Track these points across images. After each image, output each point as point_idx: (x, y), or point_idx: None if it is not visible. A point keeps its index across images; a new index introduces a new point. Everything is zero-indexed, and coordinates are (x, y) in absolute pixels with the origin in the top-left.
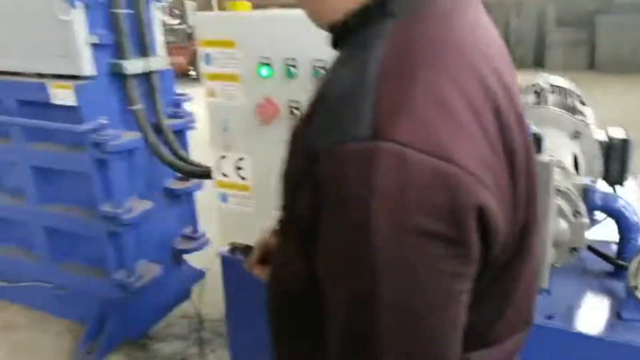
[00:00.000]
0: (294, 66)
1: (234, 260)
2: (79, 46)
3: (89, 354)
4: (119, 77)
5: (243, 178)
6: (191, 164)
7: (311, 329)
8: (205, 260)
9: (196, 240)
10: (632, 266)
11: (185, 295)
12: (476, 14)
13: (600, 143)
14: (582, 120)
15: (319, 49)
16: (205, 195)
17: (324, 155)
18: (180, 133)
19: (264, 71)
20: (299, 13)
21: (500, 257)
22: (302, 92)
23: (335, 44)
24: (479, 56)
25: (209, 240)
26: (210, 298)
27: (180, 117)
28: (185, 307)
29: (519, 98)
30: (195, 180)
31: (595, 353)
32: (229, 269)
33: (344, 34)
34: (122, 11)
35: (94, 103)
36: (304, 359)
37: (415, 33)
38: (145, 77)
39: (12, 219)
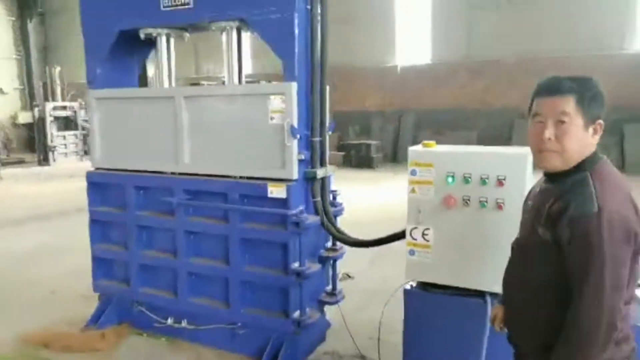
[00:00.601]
0: (468, 178)
1: (416, 293)
2: (293, 161)
3: None
4: (308, 180)
5: (427, 241)
6: (348, 236)
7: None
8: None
9: (335, 296)
10: None
11: (322, 338)
12: (609, 164)
13: None
14: None
15: (484, 168)
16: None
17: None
18: (335, 217)
19: (450, 180)
20: (477, 150)
21: (638, 248)
22: (474, 191)
23: (551, 180)
24: (623, 184)
25: (344, 296)
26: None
27: (335, 206)
28: (322, 347)
29: (635, 202)
30: (340, 251)
31: None
32: (413, 301)
33: (559, 176)
34: (317, 139)
35: (296, 196)
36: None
37: (605, 175)
38: (321, 180)
39: (216, 276)
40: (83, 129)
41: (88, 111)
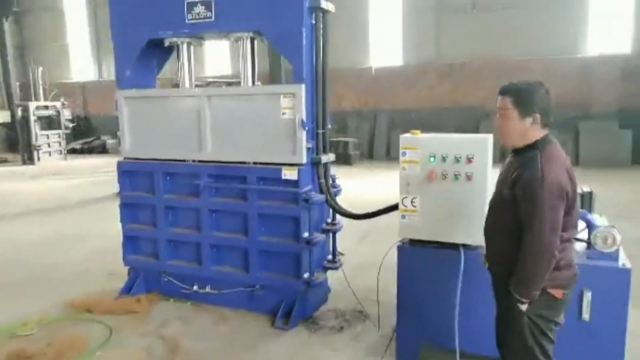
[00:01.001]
0: (445, 157)
1: (407, 248)
2: (302, 149)
3: (285, 325)
4: (314, 164)
5: (415, 207)
6: (348, 211)
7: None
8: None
9: (335, 263)
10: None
11: (325, 299)
12: (557, 145)
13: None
14: None
15: (457, 150)
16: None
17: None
18: (335, 195)
19: (431, 159)
20: (452, 136)
21: (571, 203)
22: (450, 168)
23: (515, 153)
24: (564, 160)
25: (342, 264)
26: (338, 301)
27: (335, 187)
28: (325, 307)
29: (573, 173)
30: (338, 225)
31: None
32: (404, 255)
33: (521, 152)
34: (321, 130)
35: (305, 177)
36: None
37: (550, 154)
38: (324, 165)
39: (236, 247)
40: (66, 128)
41: (118, 108)
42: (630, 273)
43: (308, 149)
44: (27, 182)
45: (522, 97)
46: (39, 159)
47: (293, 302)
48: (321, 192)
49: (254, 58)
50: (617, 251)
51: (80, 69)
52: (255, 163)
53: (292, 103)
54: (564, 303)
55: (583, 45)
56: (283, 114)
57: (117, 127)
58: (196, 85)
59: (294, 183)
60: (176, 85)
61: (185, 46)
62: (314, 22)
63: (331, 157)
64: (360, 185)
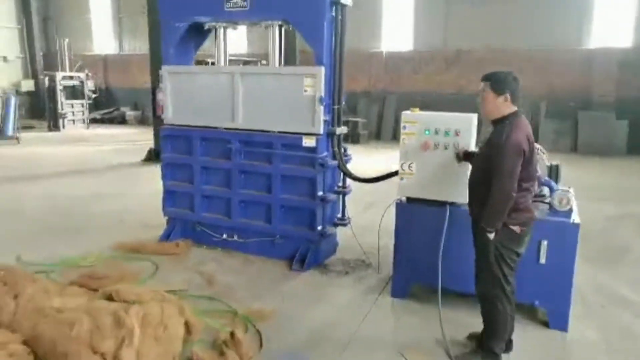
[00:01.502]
0: (438, 131)
1: (404, 205)
2: (320, 121)
3: (300, 268)
4: (329, 135)
5: (411, 171)
6: (357, 176)
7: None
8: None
9: (344, 220)
10: (551, 199)
11: (334, 251)
12: (522, 118)
13: (549, 165)
14: (542, 157)
15: (447, 125)
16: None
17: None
18: (346, 162)
19: (427, 132)
20: (443, 114)
21: (528, 159)
22: (441, 139)
23: (494, 124)
24: (526, 128)
25: (350, 222)
26: (345, 253)
27: (346, 155)
28: (334, 257)
29: (532, 138)
30: (347, 189)
31: None
32: (401, 210)
33: (496, 123)
34: (336, 106)
35: (322, 146)
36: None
37: (515, 123)
38: (338, 136)
39: (261, 202)
40: (89, 98)
41: (162, 82)
42: (579, 227)
43: (325, 121)
44: (58, 147)
45: (495, 81)
46: (64, 126)
47: (307, 250)
48: (334, 158)
49: (281, 42)
50: (570, 210)
51: (101, 42)
52: (279, 132)
53: (313, 82)
54: (522, 237)
55: (587, 38)
56: (305, 91)
57: (137, 99)
58: (230, 62)
59: (312, 150)
60: (200, 63)
61: (222, 30)
62: (333, 14)
63: (344, 129)
64: (367, 161)
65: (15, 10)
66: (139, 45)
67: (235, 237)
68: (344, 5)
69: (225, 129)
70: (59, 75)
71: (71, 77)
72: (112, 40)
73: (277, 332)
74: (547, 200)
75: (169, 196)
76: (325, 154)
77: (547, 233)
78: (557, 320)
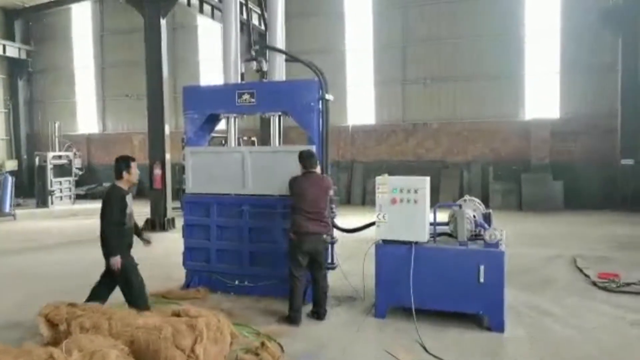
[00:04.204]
0: (402, 189)
1: (381, 245)
2: None
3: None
4: None
5: (385, 219)
6: (342, 227)
7: None
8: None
9: (333, 265)
10: (486, 235)
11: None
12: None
13: (484, 213)
14: (479, 206)
15: (409, 185)
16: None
17: None
18: (332, 218)
19: (395, 190)
20: (407, 177)
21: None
22: (405, 195)
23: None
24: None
25: (338, 265)
26: (336, 290)
27: (333, 212)
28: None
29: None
30: (335, 239)
31: None
32: (379, 249)
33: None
34: (325, 174)
35: None
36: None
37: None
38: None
39: (267, 252)
40: (75, 175)
41: (185, 159)
42: (504, 254)
43: None
44: (53, 221)
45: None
46: (52, 202)
47: (306, 288)
48: None
49: (280, 128)
50: (498, 242)
51: (86, 123)
52: (280, 195)
53: None
54: (297, 244)
55: (523, 111)
56: None
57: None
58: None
59: None
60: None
61: (232, 119)
62: (320, 107)
63: (333, 191)
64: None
65: (2, 96)
66: (122, 125)
67: (246, 282)
68: (327, 100)
69: (236, 194)
70: (49, 154)
71: (60, 157)
72: (95, 121)
73: (292, 343)
74: (482, 236)
75: (189, 252)
76: None
77: (484, 259)
78: (495, 324)
